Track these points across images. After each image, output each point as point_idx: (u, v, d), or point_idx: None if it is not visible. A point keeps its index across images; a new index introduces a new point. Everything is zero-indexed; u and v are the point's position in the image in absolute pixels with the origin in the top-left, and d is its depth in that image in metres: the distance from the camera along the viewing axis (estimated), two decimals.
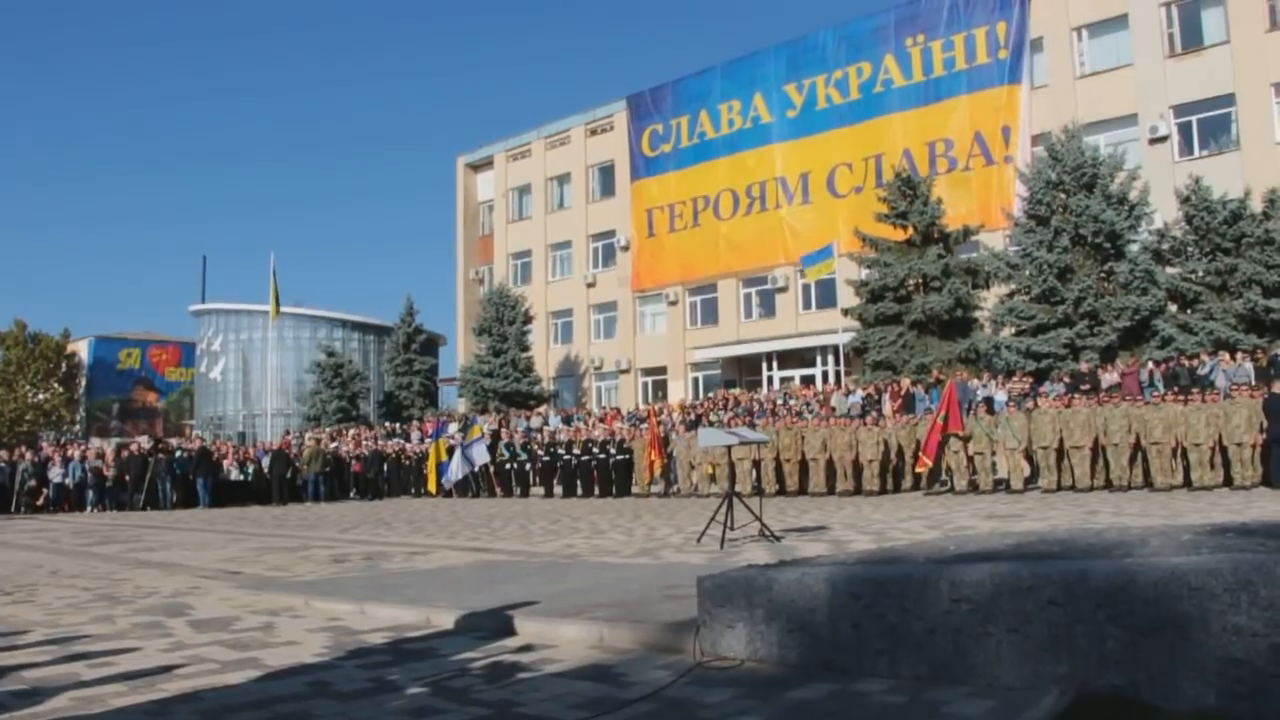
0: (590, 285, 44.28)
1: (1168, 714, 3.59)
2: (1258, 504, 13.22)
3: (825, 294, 34.63)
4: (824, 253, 29.48)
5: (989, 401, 20.19)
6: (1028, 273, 24.80)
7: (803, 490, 20.67)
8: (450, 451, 27.47)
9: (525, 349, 40.67)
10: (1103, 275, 24.06)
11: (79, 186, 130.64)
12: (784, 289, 37.70)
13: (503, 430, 30.09)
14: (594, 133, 45.31)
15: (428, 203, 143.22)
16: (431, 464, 27.17)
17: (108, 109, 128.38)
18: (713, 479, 21.95)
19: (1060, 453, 17.61)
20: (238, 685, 4.89)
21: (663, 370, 41.77)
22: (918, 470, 18.96)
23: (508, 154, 49.09)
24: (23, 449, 31.15)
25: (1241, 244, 22.52)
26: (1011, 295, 25.63)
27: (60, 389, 61.42)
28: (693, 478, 22.75)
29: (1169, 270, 23.95)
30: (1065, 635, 3.84)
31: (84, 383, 65.65)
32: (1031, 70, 32.69)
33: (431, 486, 27.35)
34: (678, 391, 39.60)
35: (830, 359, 33.71)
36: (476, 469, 25.86)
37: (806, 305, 37.12)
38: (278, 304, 40.38)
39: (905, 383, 24.41)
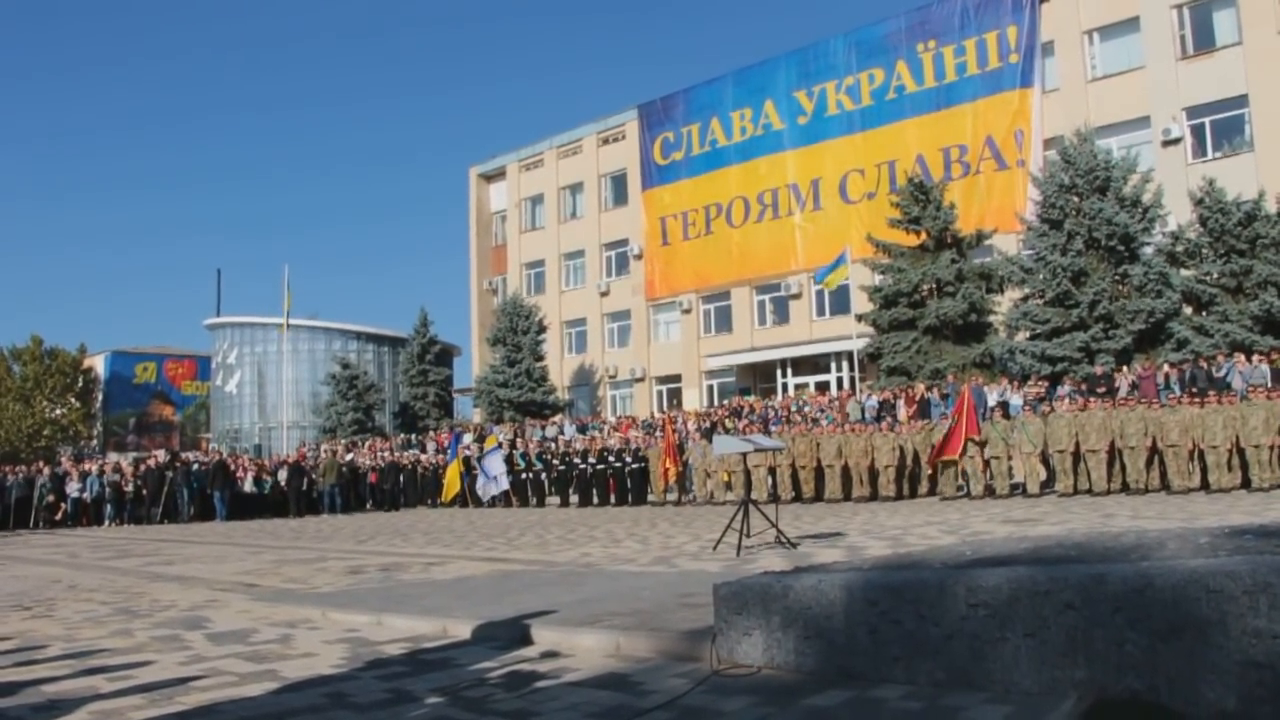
0: (604, 294, 44.31)
1: (1188, 718, 3.57)
2: (1276, 506, 13.12)
3: (839, 300, 34.59)
4: (837, 261, 29.43)
5: (1005, 406, 20.12)
6: (1041, 276, 24.72)
7: (818, 497, 20.63)
8: (466, 463, 27.61)
9: (540, 359, 40.71)
10: (1117, 278, 23.97)
11: (93, 201, 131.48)
12: (797, 296, 37.66)
13: (518, 440, 30.12)
14: (606, 142, 45.39)
15: (441, 214, 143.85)
16: (453, 475, 27.22)
17: (121, 123, 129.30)
18: (728, 486, 21.93)
19: (1077, 456, 17.52)
20: (256, 697, 4.91)
21: (677, 378, 41.76)
22: (946, 458, 18.62)
23: (520, 164, 49.18)
24: (40, 464, 31.33)
25: (1256, 245, 22.41)
26: (1025, 299, 25.56)
27: (77, 404, 61.75)
28: (708, 485, 22.72)
29: (1183, 272, 23.84)
30: (1083, 640, 3.83)
31: (100, 397, 66.00)
32: (1043, 74, 32.62)
33: (446, 496, 27.43)
34: (692, 399, 39.58)
35: (845, 365, 33.63)
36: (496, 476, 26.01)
37: (820, 312, 37.07)
38: (288, 318, 40.72)
39: (920, 388, 24.37)
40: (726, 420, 27.37)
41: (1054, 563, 4.24)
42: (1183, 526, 8.18)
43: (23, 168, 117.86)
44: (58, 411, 60.28)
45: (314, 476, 29.30)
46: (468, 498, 27.12)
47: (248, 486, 29.14)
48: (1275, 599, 3.45)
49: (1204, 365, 20.45)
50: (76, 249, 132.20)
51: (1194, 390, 18.05)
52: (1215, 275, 23.07)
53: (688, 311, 41.16)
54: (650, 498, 24.00)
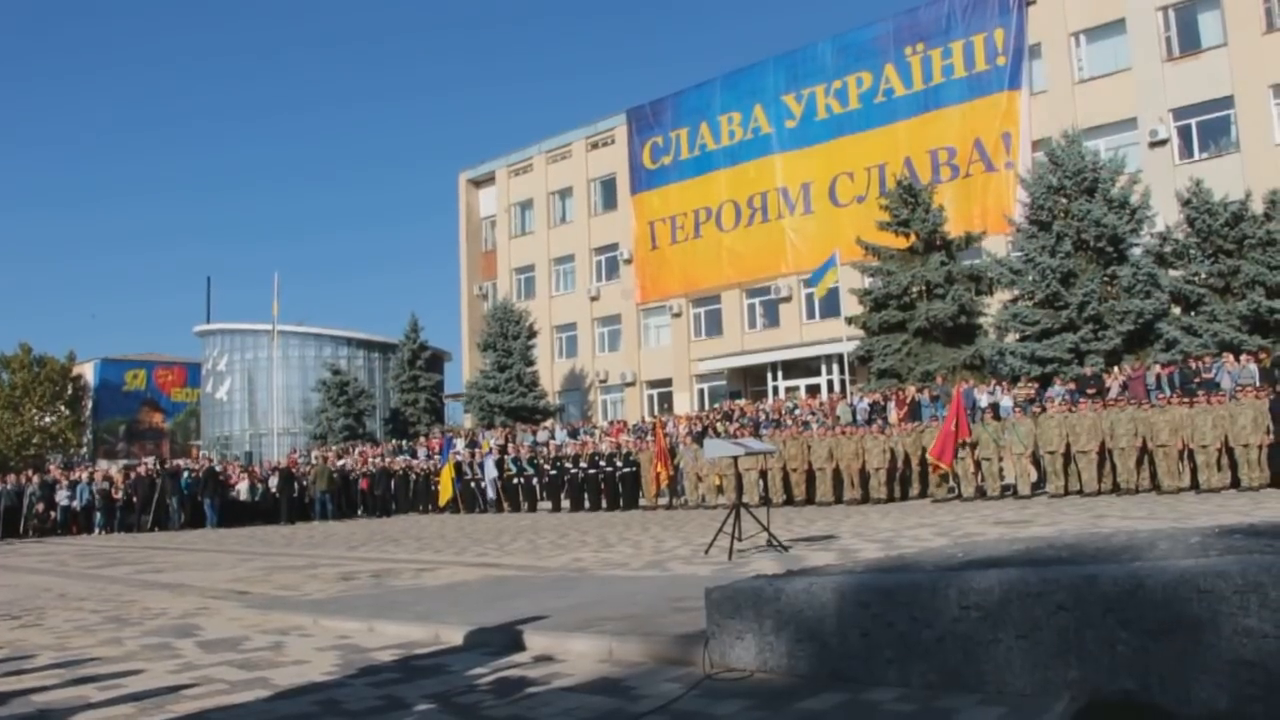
0: (594, 299, 44.29)
1: (1180, 718, 3.58)
2: (1266, 505, 13.18)
3: (829, 303, 34.54)
4: (827, 264, 29.49)
5: (995, 407, 20.17)
6: (1031, 278, 24.79)
7: (810, 500, 20.63)
8: (458, 469, 27.66)
9: (530, 363, 40.66)
10: (1106, 279, 24.05)
11: (81, 208, 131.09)
12: (787, 299, 37.70)
13: (509, 445, 30.10)
14: (595, 146, 45.39)
15: (430, 219, 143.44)
16: (445, 480, 27.31)
17: (110, 130, 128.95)
18: (720, 490, 21.92)
19: (1067, 457, 17.57)
20: (247, 705, 4.89)
21: (668, 382, 41.75)
22: (937, 472, 18.76)
23: (509, 169, 49.17)
24: (30, 472, 31.20)
25: (1243, 245, 22.51)
26: (1015, 301, 25.64)
27: (66, 412, 61.50)
28: (700, 489, 22.70)
29: (1172, 273, 23.93)
30: (1075, 640, 3.83)
31: (90, 405, 65.74)
32: (1031, 76, 32.70)
33: (442, 501, 27.46)
34: (683, 403, 39.58)
35: (835, 368, 33.66)
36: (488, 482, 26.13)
37: (810, 315, 37.09)
38: (278, 324, 40.75)
39: (911, 390, 24.41)
40: (718, 424, 27.39)
41: (1046, 564, 4.25)
42: (1173, 527, 8.21)
43: (11, 175, 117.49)
44: (47, 419, 60.02)
45: (305, 483, 29.24)
46: (459, 503, 27.11)
47: (243, 494, 29.07)
48: (1266, 598, 3.46)
49: (1193, 365, 20.53)
50: (64, 256, 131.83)
51: (1183, 390, 18.12)
52: (1203, 275, 23.17)
53: (678, 315, 41.17)
54: (642, 502, 23.97)
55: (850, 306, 29.33)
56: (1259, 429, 16.03)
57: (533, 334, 41.22)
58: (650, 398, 42.34)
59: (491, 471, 26.69)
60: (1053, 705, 3.78)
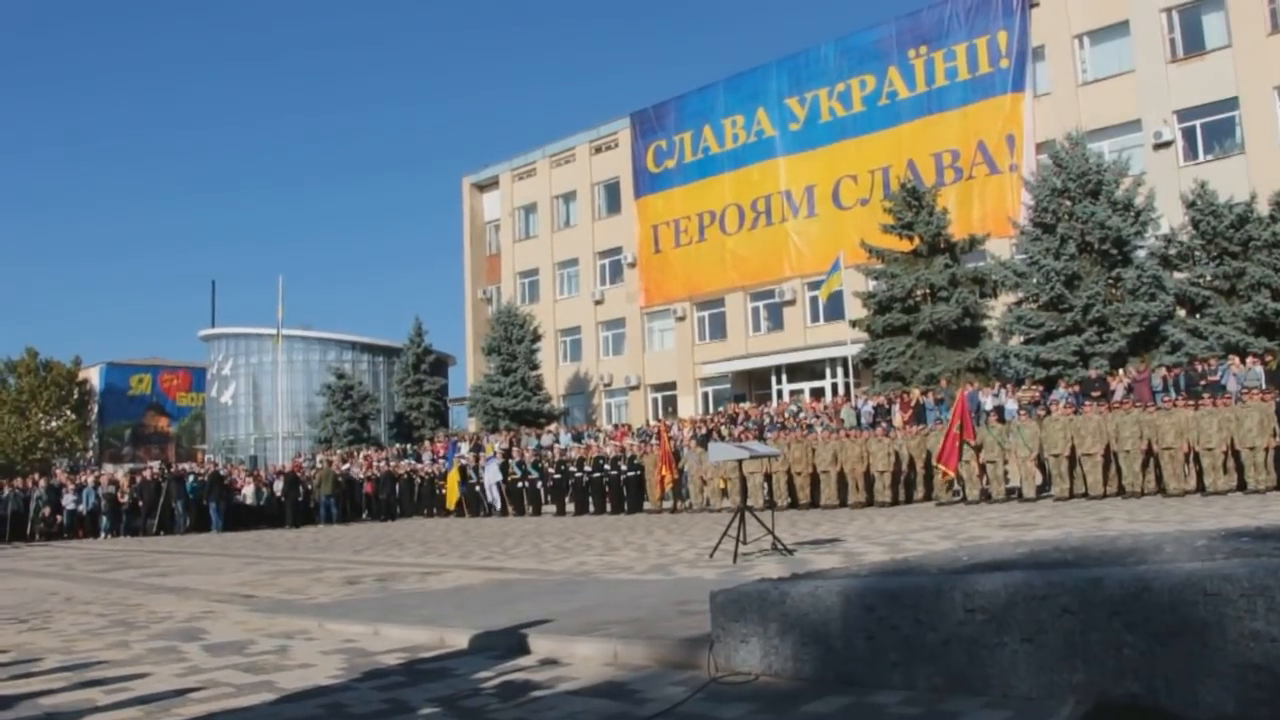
0: (598, 302, 44.31)
1: None
2: (1272, 508, 13.14)
3: (833, 306, 34.46)
4: (831, 269, 29.49)
5: (1000, 410, 20.14)
6: (1035, 281, 24.76)
7: (814, 503, 20.61)
8: (463, 472, 27.72)
9: (534, 367, 40.70)
10: (1110, 281, 24.02)
11: (86, 213, 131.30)
12: (791, 302, 37.69)
13: (514, 449, 30.12)
14: (599, 150, 45.42)
15: (434, 223, 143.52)
16: (452, 484, 27.39)
17: (112, 134, 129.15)
18: (724, 493, 21.90)
19: (1072, 460, 17.53)
20: (253, 708, 4.90)
21: (672, 386, 41.75)
22: (945, 478, 18.74)
23: (513, 173, 49.21)
24: (36, 477, 31.27)
25: (1249, 247, 22.47)
26: (1019, 303, 25.60)
27: (72, 416, 61.65)
28: (704, 492, 22.69)
29: (1177, 275, 23.90)
30: (1081, 643, 3.83)
31: (96, 409, 65.88)
32: (1034, 78, 32.67)
33: (450, 504, 27.53)
34: (687, 407, 39.55)
35: (839, 371, 33.63)
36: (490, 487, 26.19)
37: (814, 318, 37.06)
38: (282, 328, 40.83)
39: (915, 393, 24.38)
40: (722, 427, 27.38)
41: (1051, 567, 4.24)
42: (1179, 529, 8.21)
43: (15, 178, 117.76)
44: (53, 424, 60.17)
45: (310, 487, 29.27)
46: (464, 507, 27.14)
47: (248, 498, 29.10)
48: (1272, 601, 3.45)
49: (1198, 368, 20.48)
50: (70, 261, 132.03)
51: (1189, 393, 18.08)
52: (1208, 278, 23.13)
53: (682, 319, 41.16)
54: (646, 505, 23.97)
55: (854, 309, 29.30)
56: (1265, 431, 16.00)
57: (537, 338, 41.24)
58: (654, 401, 42.33)
59: (494, 475, 26.72)
60: (1058, 709, 3.78)
